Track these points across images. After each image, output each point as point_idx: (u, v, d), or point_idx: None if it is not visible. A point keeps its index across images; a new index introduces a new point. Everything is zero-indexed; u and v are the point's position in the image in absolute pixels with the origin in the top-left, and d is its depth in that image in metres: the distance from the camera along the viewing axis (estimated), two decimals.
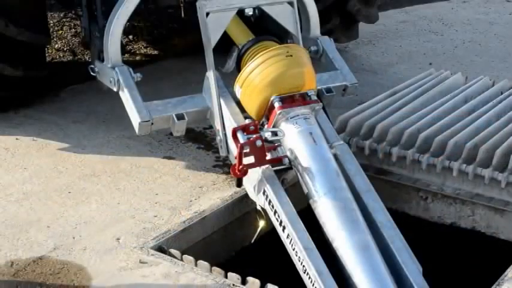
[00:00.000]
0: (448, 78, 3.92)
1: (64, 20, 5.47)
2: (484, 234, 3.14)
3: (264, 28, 3.17)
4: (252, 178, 2.67)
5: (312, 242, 2.40)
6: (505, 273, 2.59)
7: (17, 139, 3.51)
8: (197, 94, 3.02)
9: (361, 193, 2.59)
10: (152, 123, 2.92)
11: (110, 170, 3.22)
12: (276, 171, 2.63)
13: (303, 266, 2.37)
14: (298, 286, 2.41)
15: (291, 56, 2.70)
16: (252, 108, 2.74)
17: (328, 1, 4.44)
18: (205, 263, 2.52)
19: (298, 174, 2.59)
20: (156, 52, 4.99)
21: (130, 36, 5.07)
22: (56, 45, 5.09)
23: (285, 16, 3.09)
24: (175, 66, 4.64)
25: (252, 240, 2.72)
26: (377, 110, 3.52)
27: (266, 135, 2.58)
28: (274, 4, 3.05)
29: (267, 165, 2.60)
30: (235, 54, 2.99)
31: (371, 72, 4.80)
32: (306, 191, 2.56)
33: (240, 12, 3.04)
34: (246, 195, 2.87)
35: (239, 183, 2.72)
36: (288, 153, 2.63)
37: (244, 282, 2.44)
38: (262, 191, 2.59)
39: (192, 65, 4.34)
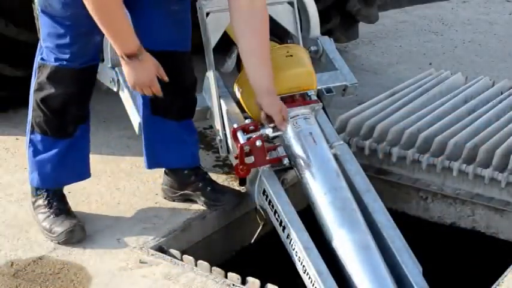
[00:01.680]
0: (448, 78, 3.93)
1: None
2: (484, 234, 3.14)
3: None
4: (252, 178, 2.67)
5: (312, 242, 2.40)
6: (505, 273, 2.59)
7: (17, 139, 3.51)
8: (197, 94, 3.02)
9: (361, 193, 2.59)
10: None
11: (110, 170, 3.22)
12: (276, 171, 2.63)
13: (303, 266, 2.37)
14: (298, 286, 2.41)
15: (291, 56, 2.70)
16: (252, 108, 2.74)
17: (328, 1, 4.44)
18: (205, 263, 2.52)
19: (298, 174, 2.59)
20: None
21: None
22: None
23: (285, 16, 3.09)
24: None
25: (252, 241, 2.71)
26: (377, 110, 3.52)
27: (267, 132, 2.58)
28: (274, 4, 3.04)
29: (267, 165, 2.60)
30: (235, 54, 2.99)
31: (371, 72, 4.80)
32: (305, 191, 2.56)
33: None
34: (246, 195, 2.87)
35: (242, 182, 2.72)
36: (288, 153, 2.63)
37: (244, 282, 2.44)
38: (262, 191, 2.60)
39: None
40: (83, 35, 2.55)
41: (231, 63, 3.00)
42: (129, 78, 2.51)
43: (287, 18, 3.09)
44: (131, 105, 2.98)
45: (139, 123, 2.92)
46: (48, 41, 2.56)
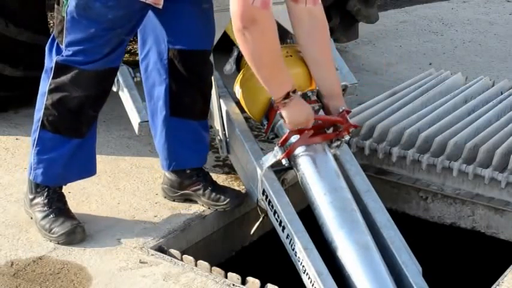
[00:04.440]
0: (448, 78, 3.93)
1: None
2: (484, 234, 3.14)
3: None
4: (252, 177, 2.67)
5: (312, 242, 2.40)
6: (505, 273, 2.60)
7: (17, 139, 3.51)
8: None
9: (361, 193, 2.59)
10: None
11: (110, 170, 3.22)
12: (276, 171, 2.63)
13: (303, 266, 2.37)
14: (298, 286, 2.42)
15: (291, 56, 2.70)
16: (251, 108, 2.74)
17: (328, 1, 4.44)
18: (205, 263, 2.52)
19: (298, 174, 2.59)
20: None
21: None
22: None
23: (285, 16, 3.08)
24: None
25: (252, 232, 2.71)
26: (377, 110, 3.52)
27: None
28: (274, 4, 3.03)
29: (267, 167, 2.60)
30: (235, 54, 2.99)
31: (371, 72, 4.80)
32: (305, 191, 2.56)
33: None
34: (246, 196, 2.87)
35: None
36: None
37: (244, 282, 2.44)
38: (262, 191, 2.60)
39: None
40: (116, 36, 2.55)
41: (232, 64, 2.99)
42: (288, 120, 2.51)
43: (287, 18, 3.07)
44: (131, 105, 2.98)
45: (139, 124, 2.92)
46: (77, 44, 2.54)
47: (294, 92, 2.47)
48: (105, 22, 2.49)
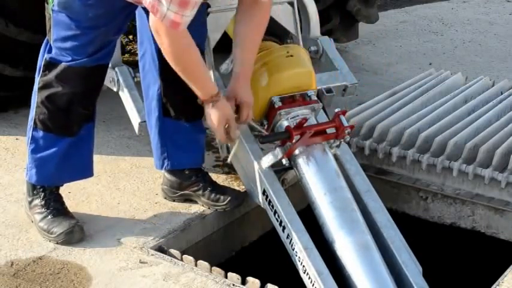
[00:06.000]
0: (448, 78, 3.93)
1: None
2: (484, 234, 3.14)
3: None
4: (252, 178, 2.67)
5: (312, 242, 2.40)
6: (505, 273, 2.60)
7: (17, 139, 3.51)
8: None
9: (361, 193, 2.59)
10: None
11: (110, 170, 3.22)
12: (276, 171, 2.63)
13: (303, 266, 2.37)
14: (298, 286, 2.42)
15: (292, 56, 2.70)
16: (252, 108, 2.74)
17: (328, 1, 4.44)
18: (205, 263, 2.52)
19: (298, 174, 2.59)
20: None
21: (131, 36, 5.07)
22: None
23: (285, 16, 3.09)
24: None
25: (225, 158, 2.77)
26: (377, 110, 3.52)
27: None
28: (274, 4, 3.04)
29: (267, 167, 2.60)
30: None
31: (371, 72, 4.80)
32: (305, 191, 2.56)
33: None
34: (246, 196, 2.87)
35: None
36: None
37: (244, 282, 2.44)
38: (262, 191, 2.60)
39: None
40: (100, 36, 2.55)
41: (230, 64, 2.99)
42: (206, 119, 2.60)
43: (287, 18, 3.08)
44: (131, 105, 2.99)
45: (139, 124, 2.92)
46: (62, 42, 2.55)
47: (215, 99, 2.51)
48: (86, 20, 2.50)
